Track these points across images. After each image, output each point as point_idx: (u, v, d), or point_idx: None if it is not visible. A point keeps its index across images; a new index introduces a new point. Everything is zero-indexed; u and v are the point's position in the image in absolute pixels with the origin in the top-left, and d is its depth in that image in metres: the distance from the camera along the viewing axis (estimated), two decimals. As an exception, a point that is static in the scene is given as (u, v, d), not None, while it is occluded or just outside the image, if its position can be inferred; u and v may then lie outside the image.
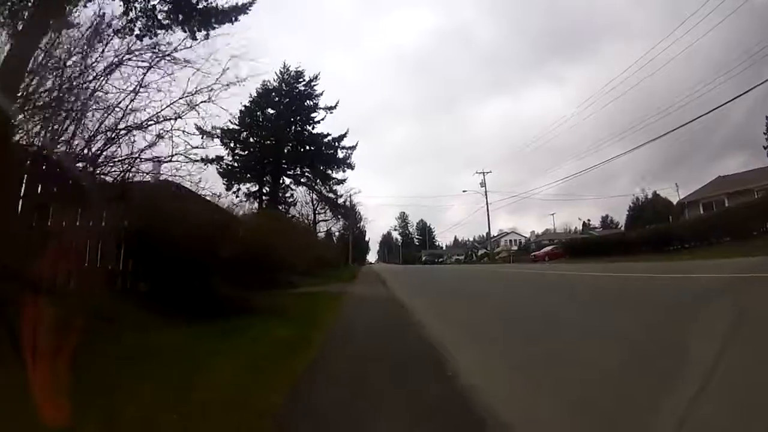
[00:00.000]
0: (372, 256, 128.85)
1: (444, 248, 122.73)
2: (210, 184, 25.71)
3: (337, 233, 72.72)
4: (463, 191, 53.03)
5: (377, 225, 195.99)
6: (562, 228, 78.79)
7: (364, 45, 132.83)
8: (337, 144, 37.37)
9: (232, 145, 36.29)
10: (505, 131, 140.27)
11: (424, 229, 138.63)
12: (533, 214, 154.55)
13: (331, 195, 35.94)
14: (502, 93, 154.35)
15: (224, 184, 34.97)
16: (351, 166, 34.98)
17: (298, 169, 37.66)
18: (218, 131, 31.94)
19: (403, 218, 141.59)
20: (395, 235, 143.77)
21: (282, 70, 37.97)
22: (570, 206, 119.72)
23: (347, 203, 36.77)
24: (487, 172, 51.16)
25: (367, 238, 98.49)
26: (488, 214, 50.80)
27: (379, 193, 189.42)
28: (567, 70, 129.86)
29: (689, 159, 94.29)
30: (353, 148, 37.37)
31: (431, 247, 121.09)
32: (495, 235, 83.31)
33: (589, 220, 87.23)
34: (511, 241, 76.68)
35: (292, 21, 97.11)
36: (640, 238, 27.33)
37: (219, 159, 36.01)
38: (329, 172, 37.78)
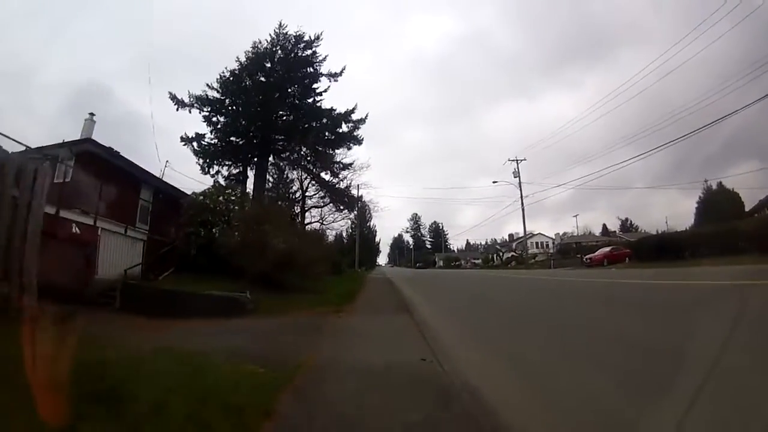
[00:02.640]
0: (382, 259, 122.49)
1: (455, 252, 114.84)
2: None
3: (342, 231, 65.44)
4: (494, 182, 44.87)
5: (388, 227, 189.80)
6: (582, 231, 72.14)
7: (380, 47, 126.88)
8: (342, 120, 30.12)
9: (214, 118, 29.41)
10: (522, 135, 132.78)
11: (437, 231, 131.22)
12: (546, 218, 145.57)
13: (333, 180, 28.55)
14: (519, 97, 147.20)
15: (200, 165, 27.96)
16: (358, 141, 27.62)
17: (293, 149, 30.44)
18: (195, 99, 24.46)
19: (415, 220, 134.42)
20: (407, 237, 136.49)
21: (277, 31, 30.48)
22: (581, 211, 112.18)
23: (352, 192, 29.34)
24: (521, 160, 43.28)
25: (377, 239, 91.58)
26: (523, 208, 42.97)
27: (391, 194, 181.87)
28: (585, 76, 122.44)
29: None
30: (361, 121, 29.94)
31: (446, 251, 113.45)
32: (519, 236, 75.39)
33: (604, 224, 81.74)
34: (536, 243, 68.52)
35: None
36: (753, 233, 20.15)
37: (199, 137, 29.19)
38: (332, 152, 30.50)
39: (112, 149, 14.55)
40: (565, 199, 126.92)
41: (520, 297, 11.33)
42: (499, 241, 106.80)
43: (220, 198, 15.49)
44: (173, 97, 28.39)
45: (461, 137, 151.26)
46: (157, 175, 18.63)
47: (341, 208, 28.69)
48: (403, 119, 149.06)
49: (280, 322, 7.92)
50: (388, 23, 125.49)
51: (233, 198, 16.25)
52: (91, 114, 17.66)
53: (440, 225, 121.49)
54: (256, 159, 29.39)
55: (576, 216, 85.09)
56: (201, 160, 28.67)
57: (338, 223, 31.03)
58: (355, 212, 32.62)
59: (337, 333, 6.39)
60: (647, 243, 29.85)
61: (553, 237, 76.82)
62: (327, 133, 30.67)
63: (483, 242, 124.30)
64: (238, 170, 29.57)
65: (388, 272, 49.13)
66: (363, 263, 59.14)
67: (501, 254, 61.58)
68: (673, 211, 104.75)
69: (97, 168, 13.54)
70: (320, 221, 28.98)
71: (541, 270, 33.65)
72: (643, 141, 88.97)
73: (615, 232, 75.65)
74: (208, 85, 28.86)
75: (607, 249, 33.81)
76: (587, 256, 33.07)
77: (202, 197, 15.74)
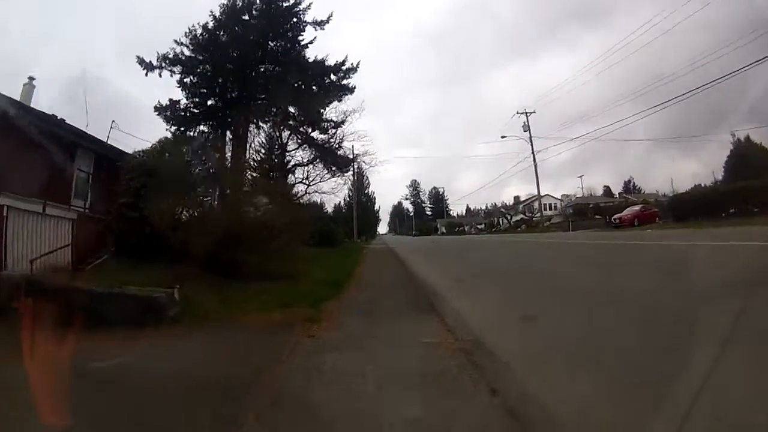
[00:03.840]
0: (382, 228, 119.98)
1: (456, 217, 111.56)
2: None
3: (340, 200, 61.66)
4: (502, 137, 40.68)
5: (387, 195, 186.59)
6: (585, 193, 69.05)
7: (380, 16, 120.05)
8: (332, 72, 25.78)
9: (186, 80, 25.10)
10: (521, 100, 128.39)
11: (437, 197, 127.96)
12: (546, 182, 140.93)
13: (322, 138, 24.55)
14: (518, 60, 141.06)
15: (171, 132, 23.73)
16: (349, 90, 23.48)
17: (277, 107, 26.22)
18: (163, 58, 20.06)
19: (414, 186, 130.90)
20: (406, 204, 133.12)
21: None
22: (580, 174, 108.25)
23: (346, 152, 25.26)
24: (530, 113, 39.04)
25: (377, 207, 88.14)
26: (535, 164, 39.07)
27: (389, 156, 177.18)
28: (583, 36, 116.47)
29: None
30: (352, 69, 25.59)
31: (447, 217, 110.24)
32: (525, 198, 71.80)
33: (606, 186, 79.84)
34: (547, 205, 64.80)
35: None
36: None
37: (173, 104, 24.94)
38: (321, 109, 26.32)
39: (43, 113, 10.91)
40: (564, 162, 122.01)
41: (590, 272, 7.72)
42: (500, 205, 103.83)
43: (168, 155, 11.64)
44: (141, 61, 24.01)
45: (460, 103, 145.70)
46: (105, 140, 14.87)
47: (333, 169, 24.72)
48: (401, 88, 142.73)
49: (198, 346, 4.60)
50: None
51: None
52: (31, 78, 14.12)
53: (441, 190, 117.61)
54: (233, 121, 25.29)
55: (581, 177, 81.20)
56: (173, 128, 24.49)
57: (328, 185, 26.94)
58: (350, 175, 28.33)
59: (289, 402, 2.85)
60: (682, 201, 26.33)
61: (561, 198, 73.33)
62: (314, 87, 26.42)
63: (483, 207, 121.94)
64: (214, 135, 25.51)
65: (389, 241, 45.67)
66: (362, 233, 55.72)
67: (509, 217, 57.94)
68: (675, 172, 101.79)
69: (12, 134, 9.84)
70: (304, 182, 24.95)
71: (561, 233, 30.18)
72: (647, 98, 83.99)
73: (620, 194, 73.12)
74: (176, 41, 24.38)
75: (637, 208, 30.70)
76: (615, 217, 29.67)
77: (144, 155, 11.94)
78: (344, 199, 69.53)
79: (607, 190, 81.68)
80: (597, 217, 40.10)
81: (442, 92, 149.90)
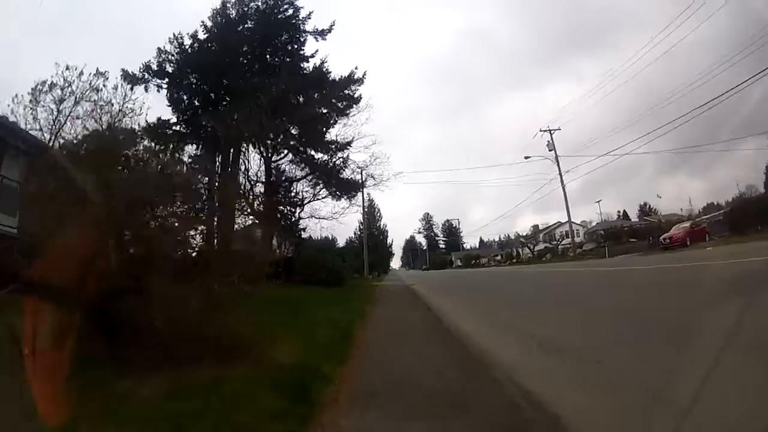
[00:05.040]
0: (395, 263, 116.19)
1: (470, 250, 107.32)
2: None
3: (352, 235, 58.18)
4: (526, 158, 37.33)
5: (399, 229, 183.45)
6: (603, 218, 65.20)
7: (385, 48, 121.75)
8: (337, 89, 23.01)
9: (175, 95, 22.49)
10: (527, 127, 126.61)
11: (451, 230, 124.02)
12: (557, 209, 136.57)
13: (324, 158, 21.51)
14: (524, 90, 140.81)
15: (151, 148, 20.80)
16: (355, 100, 20.63)
17: (275, 127, 23.31)
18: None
19: (427, 219, 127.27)
20: (419, 238, 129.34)
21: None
22: (589, 201, 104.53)
23: (351, 172, 21.96)
24: (555, 130, 35.86)
25: (389, 241, 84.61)
26: (563, 185, 35.40)
27: (399, 183, 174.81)
28: (588, 66, 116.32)
29: None
30: (359, 81, 22.73)
31: (462, 249, 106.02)
32: (546, 226, 67.72)
33: (621, 210, 76.60)
34: (565, 232, 60.60)
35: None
36: None
37: (163, 124, 22.23)
38: (324, 128, 23.36)
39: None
40: (573, 190, 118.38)
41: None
42: (513, 237, 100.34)
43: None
44: (125, 75, 21.53)
45: (469, 134, 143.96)
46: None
47: (336, 192, 21.40)
48: (410, 120, 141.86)
49: None
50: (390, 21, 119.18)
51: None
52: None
53: (457, 221, 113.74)
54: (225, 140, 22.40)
55: (599, 202, 77.38)
56: (155, 144, 21.58)
57: (326, 207, 23.44)
58: (358, 204, 24.71)
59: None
60: (742, 210, 22.54)
61: (582, 225, 69.16)
62: (317, 106, 23.58)
63: (496, 239, 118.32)
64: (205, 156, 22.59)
65: (404, 277, 41.53)
66: (374, 267, 51.95)
67: (531, 247, 53.83)
68: (684, 193, 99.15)
69: None
70: (291, 199, 21.64)
71: (600, 261, 26.23)
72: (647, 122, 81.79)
73: (639, 217, 70.26)
74: (160, 49, 21.89)
75: (686, 225, 27.19)
76: (664, 236, 26.02)
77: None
78: (355, 233, 66.45)
79: (624, 214, 79.30)
80: (632, 240, 36.23)
81: (452, 122, 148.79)
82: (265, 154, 22.71)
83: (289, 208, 25.60)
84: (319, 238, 31.64)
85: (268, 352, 4.10)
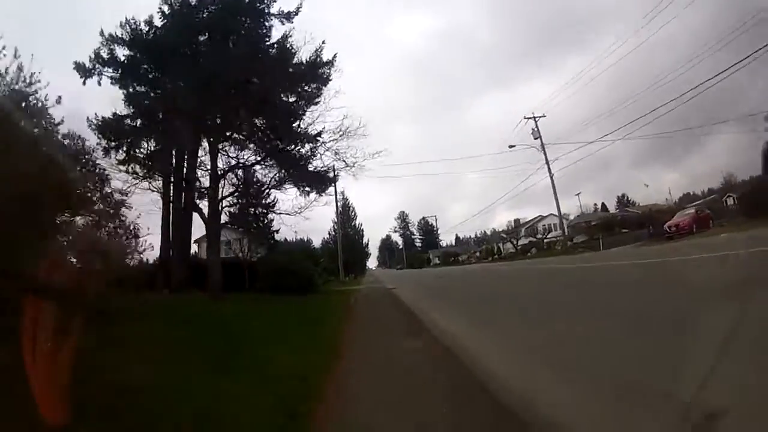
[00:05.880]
0: (372, 262, 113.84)
1: (446, 247, 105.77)
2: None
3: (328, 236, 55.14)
4: (510, 147, 35.07)
5: (375, 228, 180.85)
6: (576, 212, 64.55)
7: (363, 48, 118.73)
8: (306, 71, 19.81)
9: (130, 88, 18.90)
10: (505, 125, 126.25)
11: (427, 228, 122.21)
12: (533, 206, 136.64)
13: (290, 148, 18.43)
14: (500, 88, 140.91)
15: (102, 144, 16.99)
16: (323, 80, 17.64)
17: (236, 119, 19.95)
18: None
19: (403, 218, 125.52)
20: (395, 237, 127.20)
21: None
22: (566, 195, 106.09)
23: (322, 162, 18.73)
24: (539, 117, 33.73)
25: (365, 240, 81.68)
26: (551, 175, 33.34)
27: (378, 196, 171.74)
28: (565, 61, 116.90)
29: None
30: (328, 64, 19.52)
31: (439, 247, 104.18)
32: (529, 219, 66.09)
33: (598, 203, 77.07)
34: (549, 225, 58.99)
35: None
36: None
37: (119, 120, 18.54)
38: (290, 117, 20.10)
39: None
40: (546, 186, 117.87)
41: None
42: (489, 233, 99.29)
43: None
44: (78, 66, 17.81)
45: (446, 131, 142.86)
46: None
47: (305, 187, 18.22)
48: (385, 118, 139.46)
49: None
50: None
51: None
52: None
53: (434, 218, 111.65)
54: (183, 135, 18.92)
55: (578, 194, 76.36)
56: (105, 141, 17.85)
57: (287, 199, 20.00)
58: (329, 193, 21.19)
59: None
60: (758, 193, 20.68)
61: (564, 217, 67.92)
62: (281, 91, 20.39)
63: (473, 236, 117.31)
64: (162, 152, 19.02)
65: (384, 278, 38.53)
66: (351, 269, 48.95)
67: (514, 242, 51.73)
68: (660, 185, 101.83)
69: None
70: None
71: (595, 254, 24.10)
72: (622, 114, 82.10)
73: (617, 209, 70.01)
74: (111, 36, 18.20)
75: (691, 211, 25.39)
76: (669, 224, 24.17)
77: None
78: (329, 233, 63.17)
79: (603, 206, 79.31)
80: (624, 231, 34.44)
81: (429, 119, 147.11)
82: (227, 148, 19.42)
83: (259, 209, 22.58)
84: (294, 240, 28.49)
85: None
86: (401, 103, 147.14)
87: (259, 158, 18.28)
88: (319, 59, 19.38)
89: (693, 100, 22.47)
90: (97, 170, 9.36)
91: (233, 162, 18.57)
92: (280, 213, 19.65)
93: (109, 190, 9.10)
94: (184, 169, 19.08)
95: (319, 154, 18.57)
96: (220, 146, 19.76)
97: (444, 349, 5.06)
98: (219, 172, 17.30)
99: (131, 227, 9.12)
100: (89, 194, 7.66)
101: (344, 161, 18.19)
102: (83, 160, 8.58)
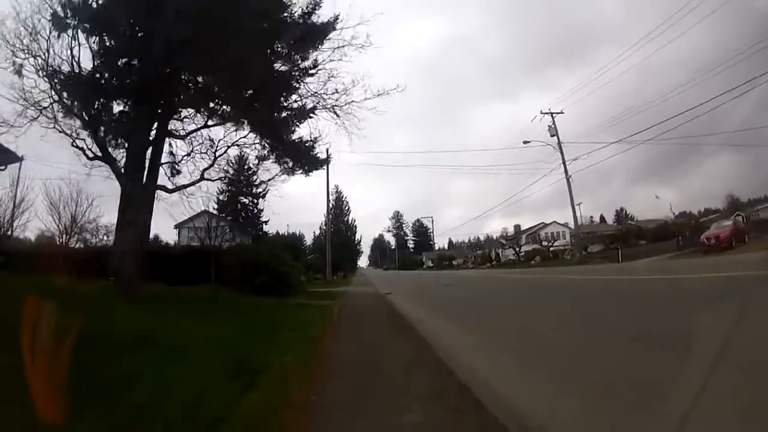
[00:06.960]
0: (363, 261, 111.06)
1: (439, 251, 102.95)
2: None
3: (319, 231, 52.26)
4: (524, 142, 31.85)
5: (367, 227, 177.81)
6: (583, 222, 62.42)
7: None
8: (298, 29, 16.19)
9: (100, 39, 15.04)
10: (505, 136, 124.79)
11: (421, 230, 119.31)
12: (527, 215, 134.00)
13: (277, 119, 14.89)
14: (503, 99, 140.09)
15: (65, 107, 12.97)
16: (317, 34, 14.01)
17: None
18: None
19: (397, 218, 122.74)
20: (388, 237, 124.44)
21: None
22: (557, 210, 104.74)
23: (310, 134, 15.00)
24: (557, 113, 30.54)
25: (358, 238, 78.35)
26: (567, 175, 30.14)
27: (373, 195, 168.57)
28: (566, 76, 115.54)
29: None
30: (329, 25, 15.81)
31: (433, 250, 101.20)
32: (529, 226, 63.08)
33: (595, 216, 78.15)
34: (554, 233, 55.71)
35: None
36: None
37: (89, 77, 14.64)
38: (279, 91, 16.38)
39: None
40: (548, 194, 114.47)
41: None
42: (482, 239, 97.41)
43: None
44: (54, 18, 13.90)
45: (446, 139, 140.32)
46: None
47: (288, 163, 14.62)
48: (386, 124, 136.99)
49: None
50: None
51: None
52: None
53: (430, 220, 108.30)
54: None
55: (579, 204, 73.85)
56: (69, 98, 13.88)
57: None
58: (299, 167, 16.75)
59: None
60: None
61: (567, 227, 65.07)
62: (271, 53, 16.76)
63: (466, 241, 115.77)
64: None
65: (376, 280, 34.67)
66: (341, 267, 45.49)
67: (517, 249, 48.26)
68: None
69: None
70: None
71: (622, 265, 20.97)
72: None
73: (616, 222, 69.33)
74: None
75: (729, 223, 23.14)
76: (707, 236, 21.44)
77: None
78: (320, 228, 59.60)
79: (601, 219, 79.13)
80: (641, 242, 31.59)
81: (433, 128, 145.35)
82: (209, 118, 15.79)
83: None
84: (287, 234, 25.71)
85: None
86: (402, 105, 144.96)
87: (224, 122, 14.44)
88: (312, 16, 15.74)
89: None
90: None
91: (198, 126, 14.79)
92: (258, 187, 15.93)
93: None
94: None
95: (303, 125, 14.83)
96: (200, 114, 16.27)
97: None
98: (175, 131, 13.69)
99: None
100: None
101: (335, 111, 14.30)
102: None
